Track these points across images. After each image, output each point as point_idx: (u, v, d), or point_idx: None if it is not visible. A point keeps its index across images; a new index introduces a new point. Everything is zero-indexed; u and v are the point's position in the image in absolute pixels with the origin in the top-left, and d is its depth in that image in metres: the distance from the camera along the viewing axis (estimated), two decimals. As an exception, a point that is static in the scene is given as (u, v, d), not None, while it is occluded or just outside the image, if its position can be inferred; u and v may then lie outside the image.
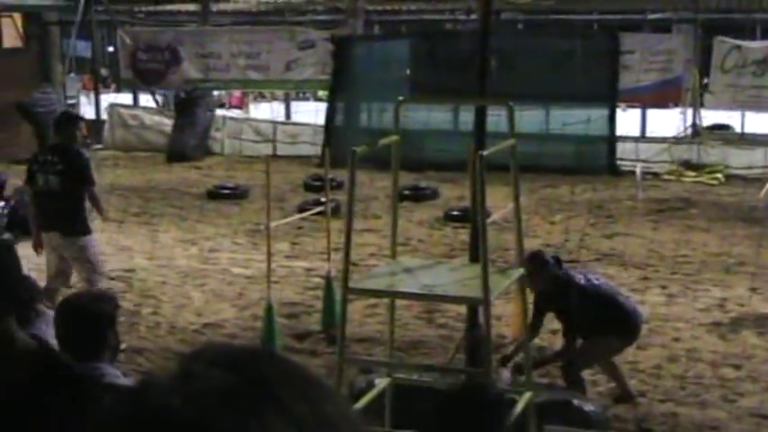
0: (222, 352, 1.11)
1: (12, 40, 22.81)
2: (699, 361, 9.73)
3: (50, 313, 6.18)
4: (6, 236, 14.59)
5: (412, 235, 14.56)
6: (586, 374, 8.89)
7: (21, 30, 23.04)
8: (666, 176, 19.77)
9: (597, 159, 20.02)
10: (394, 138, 6.39)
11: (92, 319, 4.55)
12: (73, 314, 4.60)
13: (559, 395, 7.91)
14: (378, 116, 21.23)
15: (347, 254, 5.91)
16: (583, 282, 8.43)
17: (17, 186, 15.81)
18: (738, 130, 21.80)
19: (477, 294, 5.79)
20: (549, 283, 8.23)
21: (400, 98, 7.06)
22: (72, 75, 26.88)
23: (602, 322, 8.30)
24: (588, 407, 7.72)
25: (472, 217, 8.23)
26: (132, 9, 27.54)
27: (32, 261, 13.02)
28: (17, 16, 22.98)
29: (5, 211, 14.78)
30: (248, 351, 1.12)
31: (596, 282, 8.62)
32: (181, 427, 1.00)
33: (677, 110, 22.22)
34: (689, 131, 21.58)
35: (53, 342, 6.04)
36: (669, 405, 8.73)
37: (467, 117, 18.03)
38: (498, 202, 12.14)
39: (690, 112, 21.66)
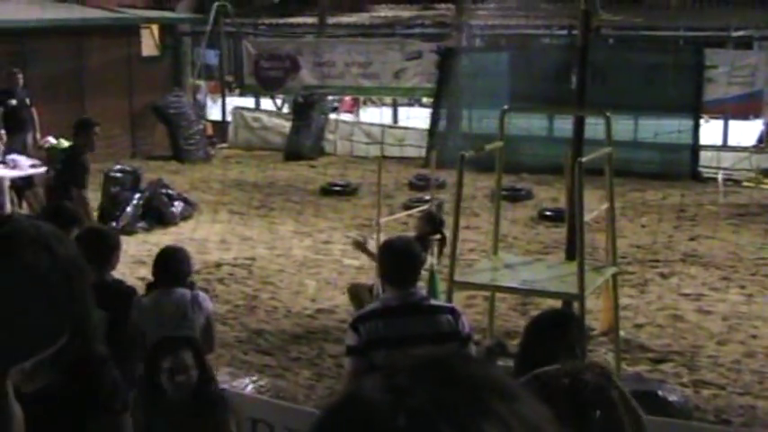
0: (422, 363, 1.00)
1: (150, 48, 23.20)
2: (776, 357, 9.53)
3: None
4: (141, 224, 14.87)
5: (508, 233, 14.46)
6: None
7: (158, 40, 23.45)
8: (746, 183, 19.34)
9: (681, 166, 19.69)
10: (499, 144, 6.36)
11: (414, 256, 5.26)
12: (399, 253, 5.23)
13: (646, 386, 7.79)
14: (478, 122, 21.11)
15: (454, 250, 5.91)
16: None
17: (151, 180, 16.10)
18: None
19: (573, 290, 5.75)
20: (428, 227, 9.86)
21: (505, 107, 7.01)
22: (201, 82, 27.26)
23: None
24: (673, 397, 7.60)
25: (568, 217, 8.16)
26: (256, 22, 27.74)
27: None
28: (155, 27, 23.39)
29: (141, 202, 15.03)
30: (445, 360, 1.01)
31: None
32: None
33: (758, 121, 21.72)
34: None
35: None
36: (747, 398, 8.55)
37: (561, 124, 17.92)
38: (589, 203, 11.99)
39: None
